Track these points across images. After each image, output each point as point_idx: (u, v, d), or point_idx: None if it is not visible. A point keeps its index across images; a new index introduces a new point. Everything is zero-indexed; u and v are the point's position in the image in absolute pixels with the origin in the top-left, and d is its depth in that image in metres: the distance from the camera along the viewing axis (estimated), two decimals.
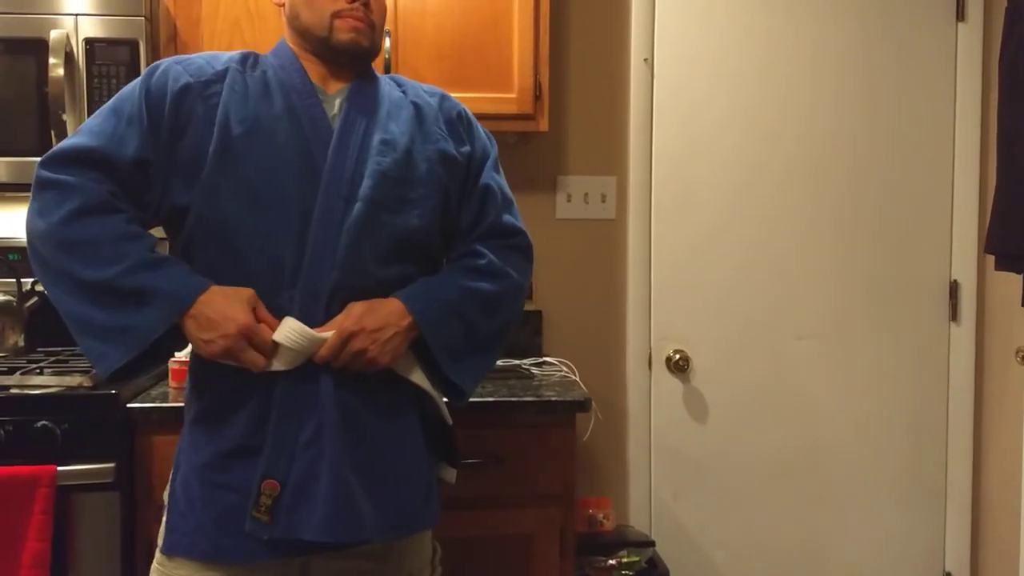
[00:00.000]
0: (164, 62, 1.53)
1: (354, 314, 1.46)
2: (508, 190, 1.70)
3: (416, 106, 1.62)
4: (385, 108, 1.58)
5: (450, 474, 1.66)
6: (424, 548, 1.64)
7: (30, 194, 1.45)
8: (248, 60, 1.57)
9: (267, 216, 1.47)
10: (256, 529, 1.44)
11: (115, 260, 1.40)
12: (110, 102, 1.51)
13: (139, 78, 1.52)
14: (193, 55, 1.57)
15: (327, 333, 1.45)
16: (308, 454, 1.45)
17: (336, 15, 1.53)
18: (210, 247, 1.49)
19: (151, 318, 1.40)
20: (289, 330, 1.44)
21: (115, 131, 1.46)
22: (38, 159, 1.46)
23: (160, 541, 1.53)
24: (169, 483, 1.55)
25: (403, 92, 1.64)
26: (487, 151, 1.68)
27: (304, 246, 1.47)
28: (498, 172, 1.69)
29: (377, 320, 1.47)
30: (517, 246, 1.68)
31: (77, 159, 1.44)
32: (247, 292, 1.43)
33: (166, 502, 1.54)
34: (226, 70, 1.53)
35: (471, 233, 1.64)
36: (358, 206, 1.49)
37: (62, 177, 1.43)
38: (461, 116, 1.67)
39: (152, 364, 1.48)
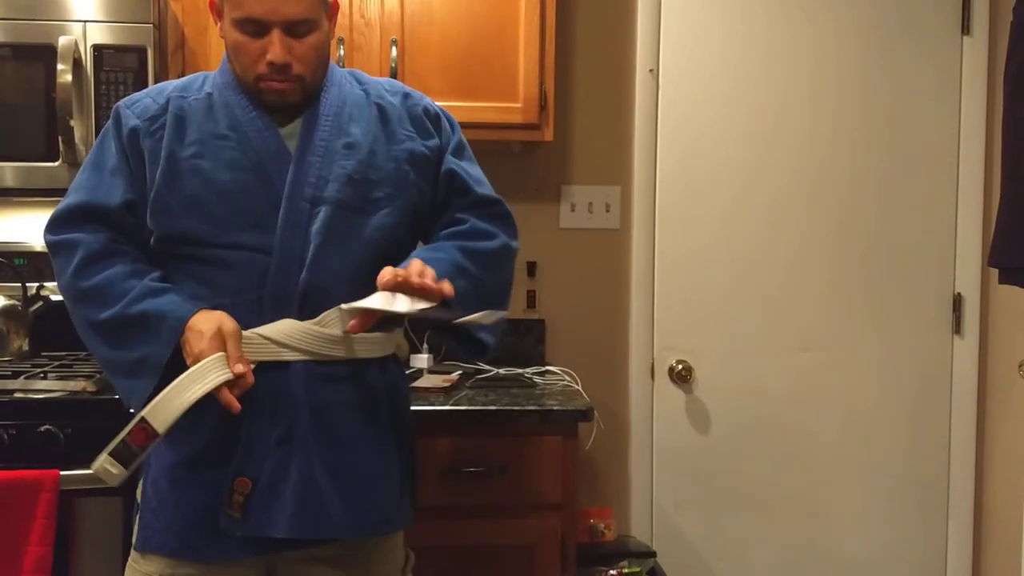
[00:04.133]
0: (119, 107, 1.59)
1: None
2: (477, 171, 1.71)
3: (379, 107, 1.62)
4: (347, 111, 1.59)
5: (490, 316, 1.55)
6: (394, 554, 1.66)
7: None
8: (194, 84, 1.60)
9: (222, 228, 1.51)
10: (229, 526, 1.48)
11: (121, 295, 1.49)
12: (90, 158, 1.60)
13: (107, 129, 1.60)
14: (142, 92, 1.62)
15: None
16: (279, 453, 1.48)
17: (258, 78, 1.52)
18: (169, 262, 1.55)
19: (158, 344, 1.46)
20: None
21: (100, 183, 1.55)
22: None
23: (134, 538, 1.56)
24: (141, 481, 1.59)
25: (364, 91, 1.64)
26: (450, 138, 1.69)
27: (268, 251, 1.50)
28: (462, 157, 1.69)
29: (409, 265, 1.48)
30: (497, 214, 1.69)
31: (75, 216, 1.55)
32: (225, 317, 1.46)
33: (139, 500, 1.58)
34: (167, 102, 1.56)
35: (443, 215, 1.66)
36: (325, 209, 1.52)
37: (65, 236, 1.54)
38: (427, 111, 1.67)
39: None
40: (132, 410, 1.50)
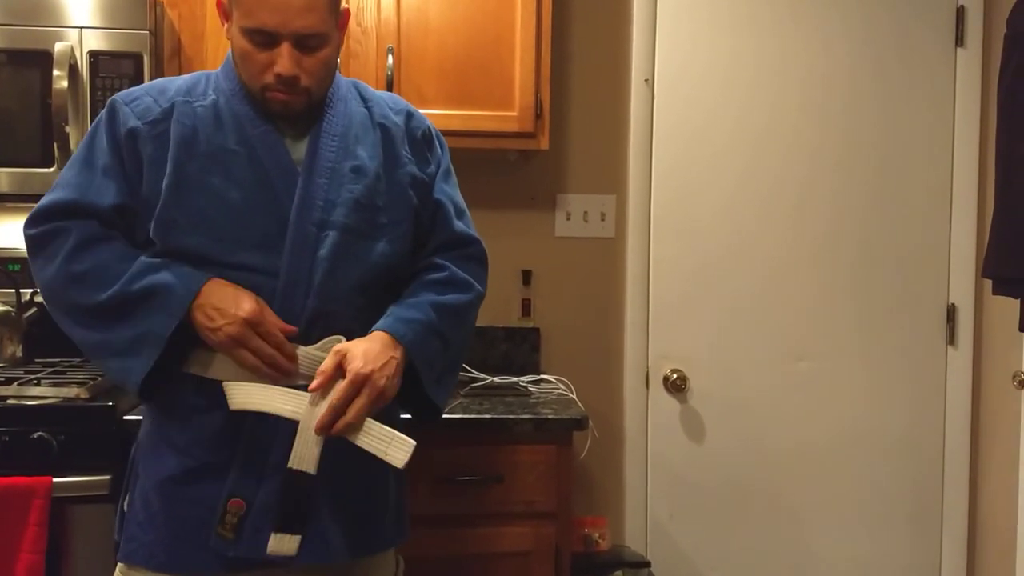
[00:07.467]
0: (116, 103, 1.53)
1: (358, 355, 1.44)
2: (460, 199, 1.70)
3: (383, 128, 1.60)
4: (353, 132, 1.57)
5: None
6: (388, 562, 1.67)
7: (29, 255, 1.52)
8: (198, 88, 1.55)
9: (229, 246, 1.47)
10: (220, 546, 1.45)
11: (121, 273, 1.44)
12: (80, 153, 1.53)
13: (99, 124, 1.53)
14: (142, 89, 1.57)
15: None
16: (277, 477, 1.45)
17: (264, 88, 1.49)
18: None
19: (162, 317, 1.42)
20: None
21: (91, 182, 1.49)
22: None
23: (118, 551, 1.54)
24: (127, 492, 1.57)
25: (367, 109, 1.62)
26: (440, 163, 1.68)
27: (274, 273, 1.48)
28: (448, 182, 1.69)
29: (382, 355, 1.46)
30: (473, 255, 1.68)
31: (60, 213, 1.48)
32: (252, 294, 1.44)
33: (126, 510, 1.56)
34: (172, 106, 1.51)
35: (425, 247, 1.65)
36: (332, 234, 1.50)
37: (52, 225, 1.48)
38: (425, 135, 1.66)
39: (180, 370, 1.48)
40: (130, 390, 1.47)
